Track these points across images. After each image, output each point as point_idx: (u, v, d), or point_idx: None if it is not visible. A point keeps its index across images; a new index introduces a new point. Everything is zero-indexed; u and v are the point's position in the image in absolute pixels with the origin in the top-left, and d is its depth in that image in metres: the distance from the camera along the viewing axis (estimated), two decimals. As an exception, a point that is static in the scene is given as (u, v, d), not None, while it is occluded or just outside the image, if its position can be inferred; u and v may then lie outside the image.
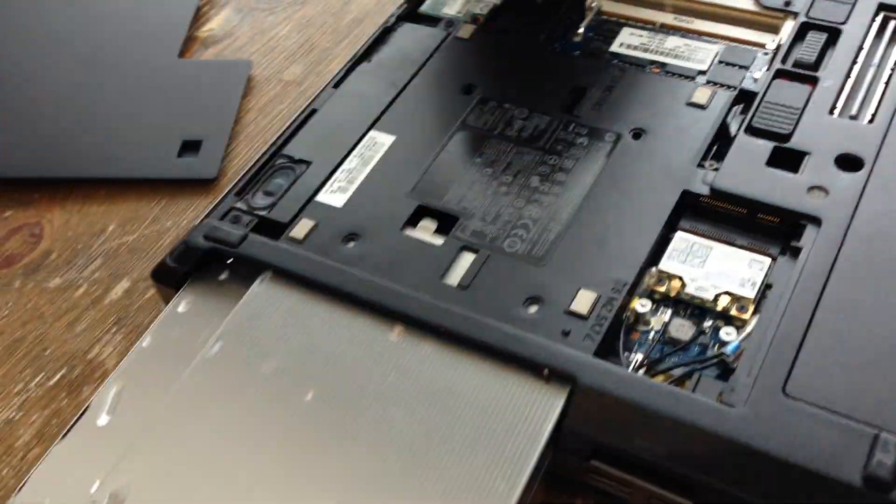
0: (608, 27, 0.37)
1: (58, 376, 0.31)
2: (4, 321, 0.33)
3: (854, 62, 0.33)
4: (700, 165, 0.30)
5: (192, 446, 0.26)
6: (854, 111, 0.31)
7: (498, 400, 0.25)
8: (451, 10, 0.39)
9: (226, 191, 0.32)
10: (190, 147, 0.38)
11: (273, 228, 0.31)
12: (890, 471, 0.22)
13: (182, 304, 0.29)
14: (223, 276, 0.30)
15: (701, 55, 0.35)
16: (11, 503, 0.26)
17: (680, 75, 0.34)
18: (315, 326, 0.28)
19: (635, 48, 0.36)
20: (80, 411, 0.27)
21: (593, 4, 0.38)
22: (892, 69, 0.32)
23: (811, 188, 0.29)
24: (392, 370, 0.26)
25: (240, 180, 0.32)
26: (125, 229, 0.36)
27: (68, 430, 0.27)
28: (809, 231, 0.28)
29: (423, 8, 0.39)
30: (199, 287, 0.30)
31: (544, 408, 0.25)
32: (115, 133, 0.39)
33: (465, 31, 0.37)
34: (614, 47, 0.36)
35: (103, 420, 0.27)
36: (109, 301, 0.34)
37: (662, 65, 0.35)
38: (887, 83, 0.32)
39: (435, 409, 0.25)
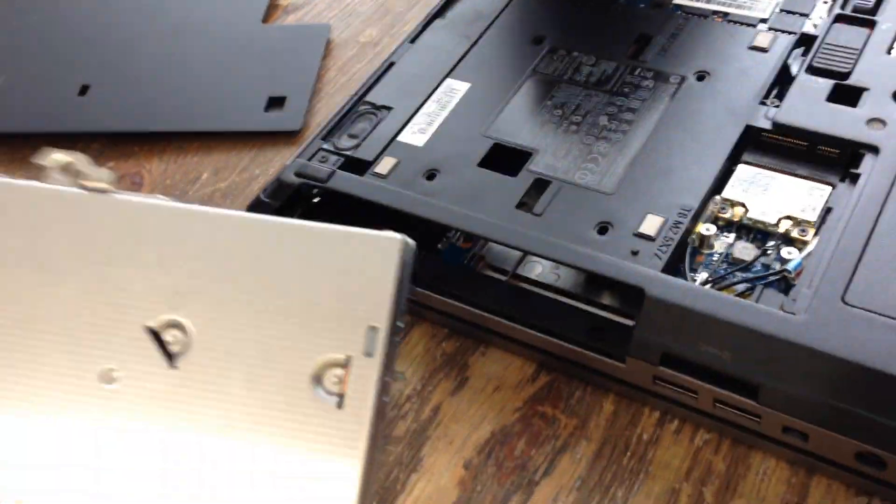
0: (671, -19, 0.39)
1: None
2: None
3: (912, 5, 0.34)
4: (762, 103, 0.32)
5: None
6: (912, 50, 0.33)
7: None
8: (519, -30, 0.41)
9: (313, 136, 0.35)
10: (275, 103, 0.41)
11: (358, 166, 0.33)
12: (944, 367, 0.24)
13: None
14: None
15: (762, 4, 0.36)
16: None
17: (742, 23, 0.36)
18: None
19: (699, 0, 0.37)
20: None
21: (657, -39, 0.39)
22: (950, 11, 0.33)
23: (870, 121, 0.30)
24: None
25: (326, 125, 0.35)
26: (218, 177, 0.39)
27: None
28: (868, 159, 0.29)
29: (494, -32, 0.41)
30: None
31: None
32: (206, 91, 0.41)
33: (535, -13, 0.39)
34: None
35: None
36: (206, 240, 0.36)
37: (724, 14, 0.36)
38: (945, 24, 0.33)
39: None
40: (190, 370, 0.24)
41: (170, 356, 0.24)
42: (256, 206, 0.33)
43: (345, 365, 0.24)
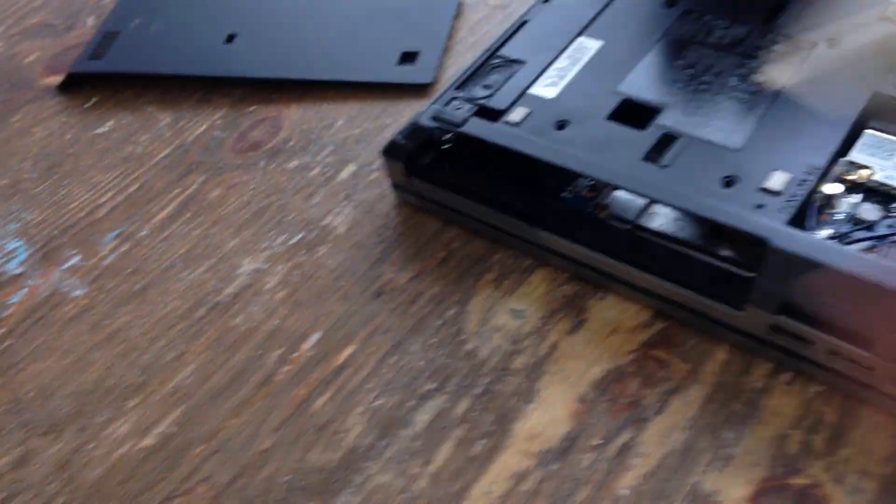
0: (806, -47, 0.39)
1: (297, 237, 0.37)
2: (252, 192, 0.39)
3: None
4: (892, 71, 0.32)
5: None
6: None
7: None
8: (653, -62, 0.42)
9: (448, 85, 0.37)
10: (408, 57, 0.43)
11: (492, 114, 0.35)
12: None
13: None
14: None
15: (899, -22, 0.36)
16: None
17: (877, -5, 0.36)
18: None
19: (833, -29, 0.38)
20: None
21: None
22: None
23: None
24: None
25: (460, 76, 0.37)
26: (352, 124, 0.41)
27: None
28: None
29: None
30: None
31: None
32: (343, 44, 0.44)
33: (668, -46, 0.40)
34: (812, -30, 0.38)
35: None
36: (339, 180, 0.39)
37: (860, -14, 0.37)
38: None
39: None
40: None
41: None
42: (391, 148, 0.35)
43: None
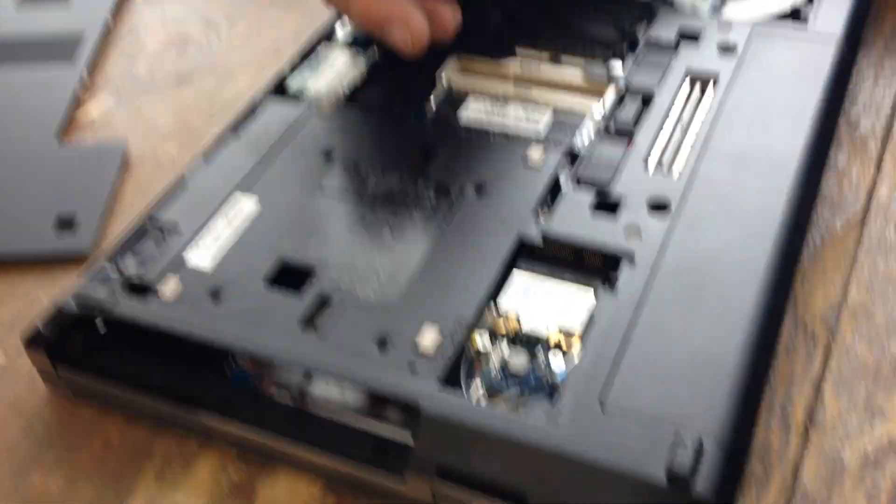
0: (457, 98, 0.41)
1: (-68, 445, 0.32)
2: None
3: (664, 122, 0.37)
4: (534, 214, 0.34)
5: None
6: (664, 164, 0.35)
7: None
8: (314, 87, 0.42)
9: (100, 259, 0.34)
10: (65, 224, 0.40)
11: (142, 289, 0.33)
12: (687, 466, 0.25)
13: None
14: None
15: (537, 120, 0.39)
16: None
17: (518, 138, 0.38)
18: None
19: (480, 115, 0.39)
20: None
21: (444, 78, 0.41)
22: (697, 126, 0.37)
23: (627, 230, 0.33)
24: None
25: (113, 248, 0.34)
26: None
27: None
28: (625, 267, 0.31)
29: (289, 85, 0.42)
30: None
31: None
32: (-9, 212, 0.40)
33: (327, 105, 0.40)
34: (461, 115, 0.40)
35: None
36: (-15, 371, 0.35)
37: (503, 129, 0.39)
38: (693, 140, 0.36)
39: None
40: None
41: None
42: (33, 337, 0.32)
43: None
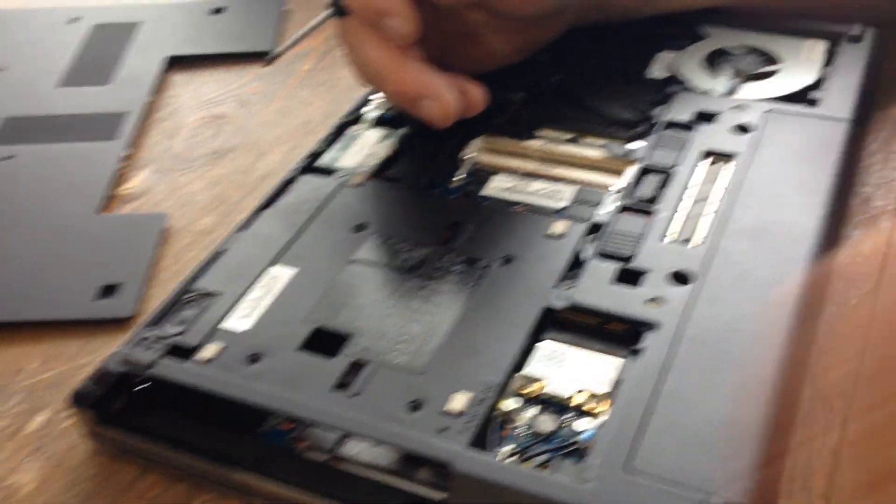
0: (483, 174, 0.43)
1: (-25, 502, 0.33)
2: (-75, 454, 0.35)
3: (683, 197, 0.39)
4: (559, 285, 0.35)
5: None
6: (685, 237, 0.37)
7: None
8: (346, 163, 0.44)
9: (141, 323, 0.36)
10: (108, 291, 0.41)
11: (183, 352, 0.34)
12: (713, 526, 0.26)
13: None
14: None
15: (560, 196, 0.40)
16: None
17: (542, 212, 0.40)
18: None
19: (504, 190, 0.41)
20: None
21: (469, 156, 0.43)
22: (716, 202, 0.38)
23: (649, 300, 0.34)
24: None
25: (153, 313, 0.36)
26: (44, 367, 0.39)
27: None
28: (649, 335, 0.33)
29: (321, 162, 0.44)
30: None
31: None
32: (37, 280, 0.42)
33: (358, 179, 0.42)
34: (486, 191, 0.41)
35: None
36: (28, 432, 0.36)
37: (527, 204, 0.40)
38: (714, 213, 0.38)
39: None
40: None
41: None
42: (79, 395, 0.33)
43: None
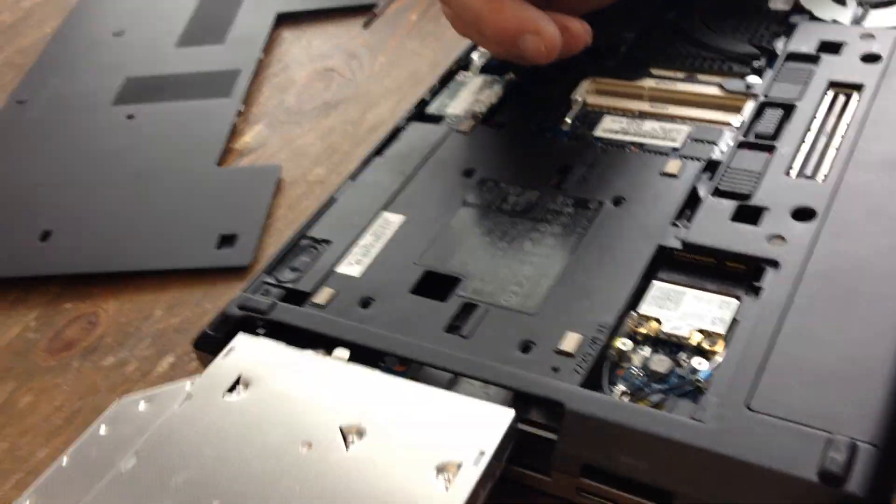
0: (592, 116, 0.42)
1: (111, 440, 0.35)
2: (65, 396, 0.37)
3: (807, 131, 0.37)
4: (674, 224, 0.34)
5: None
6: (808, 172, 0.35)
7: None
8: (453, 110, 0.44)
9: (258, 270, 0.37)
10: (227, 240, 0.43)
11: (299, 297, 0.35)
12: (841, 466, 0.25)
13: (102, 426, 0.31)
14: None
15: (674, 135, 0.39)
16: None
17: (656, 152, 0.38)
18: (228, 442, 0.29)
19: (616, 132, 0.40)
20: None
21: (579, 98, 0.42)
22: (841, 136, 0.36)
23: (770, 237, 0.32)
24: (298, 482, 0.28)
25: (270, 261, 0.37)
26: (171, 313, 0.40)
27: None
28: (770, 273, 0.31)
29: (429, 109, 0.44)
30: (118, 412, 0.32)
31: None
32: (162, 232, 0.44)
33: (466, 126, 0.42)
34: (597, 132, 0.40)
35: None
36: (157, 374, 0.38)
37: (640, 145, 0.39)
38: (838, 148, 0.36)
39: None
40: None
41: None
42: (202, 340, 0.35)
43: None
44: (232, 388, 0.31)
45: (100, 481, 0.29)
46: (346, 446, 0.29)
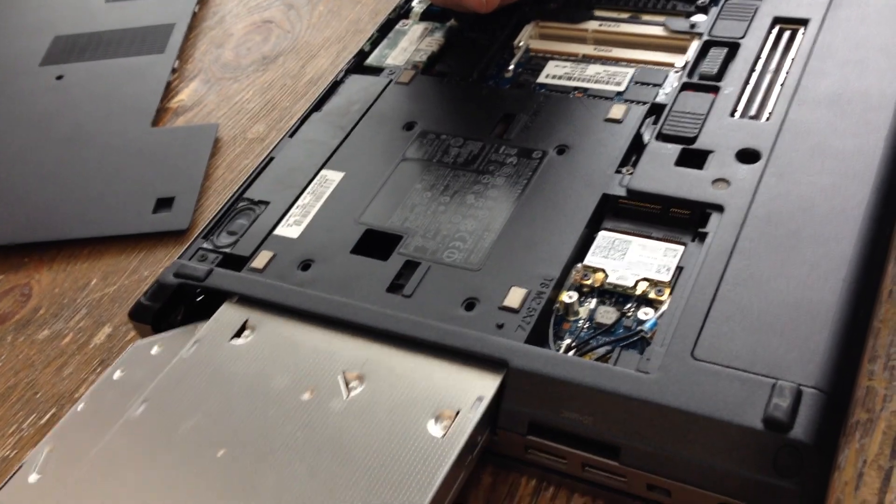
0: (535, 62, 0.40)
1: (48, 415, 0.34)
2: (-1, 372, 0.36)
3: (752, 70, 0.36)
4: (618, 171, 0.33)
5: None
6: (753, 112, 0.34)
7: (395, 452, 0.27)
8: (393, 60, 0.42)
9: (195, 235, 0.35)
10: (164, 204, 0.41)
11: (236, 262, 0.34)
12: (786, 412, 0.25)
13: (117, 371, 0.32)
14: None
15: (618, 78, 0.38)
16: None
17: (600, 97, 0.37)
18: (234, 388, 0.29)
19: (560, 78, 0.39)
20: (14, 469, 0.29)
21: (521, 43, 0.41)
22: (786, 73, 0.36)
23: (715, 181, 0.32)
24: (300, 427, 0.28)
25: (206, 225, 0.36)
26: (107, 281, 0.39)
27: (2, 486, 0.29)
28: (714, 218, 0.31)
29: (369, 61, 0.43)
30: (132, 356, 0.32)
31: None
32: (95, 197, 0.42)
33: (406, 77, 0.41)
34: (541, 79, 0.39)
35: (34, 478, 0.29)
36: (94, 345, 0.36)
37: (584, 90, 0.38)
38: (782, 85, 0.35)
39: (335, 463, 0.27)
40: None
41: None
42: (137, 310, 0.34)
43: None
44: (238, 333, 0.31)
45: (113, 427, 0.29)
46: (347, 394, 0.28)
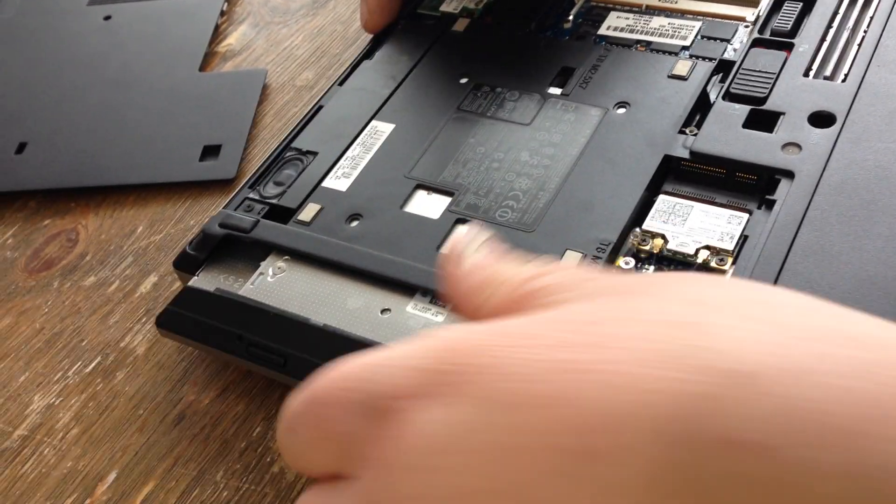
0: (596, 12, 0.39)
1: (93, 364, 0.34)
2: (44, 318, 0.36)
3: (829, 27, 0.34)
4: (681, 132, 0.32)
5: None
6: (828, 72, 0.33)
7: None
8: (447, 8, 0.41)
9: (241, 185, 0.35)
10: (210, 151, 0.41)
11: (283, 214, 0.33)
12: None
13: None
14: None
15: (684, 32, 0.36)
16: None
17: (664, 52, 0.36)
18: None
19: (622, 30, 0.37)
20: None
21: (582, -8, 0.39)
22: (864, 31, 0.34)
23: (785, 145, 0.30)
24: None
25: (253, 174, 0.35)
26: (153, 229, 0.39)
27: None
28: (783, 185, 0.29)
29: (422, 8, 0.41)
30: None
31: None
32: (142, 143, 0.41)
33: (460, 25, 0.39)
34: (602, 30, 0.38)
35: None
36: (139, 294, 0.36)
37: (647, 43, 0.36)
38: (860, 45, 0.33)
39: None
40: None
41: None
42: (182, 259, 0.33)
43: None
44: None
45: None
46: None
